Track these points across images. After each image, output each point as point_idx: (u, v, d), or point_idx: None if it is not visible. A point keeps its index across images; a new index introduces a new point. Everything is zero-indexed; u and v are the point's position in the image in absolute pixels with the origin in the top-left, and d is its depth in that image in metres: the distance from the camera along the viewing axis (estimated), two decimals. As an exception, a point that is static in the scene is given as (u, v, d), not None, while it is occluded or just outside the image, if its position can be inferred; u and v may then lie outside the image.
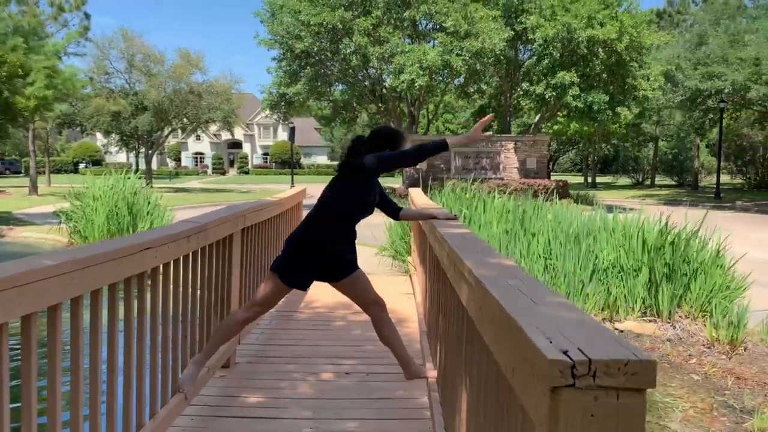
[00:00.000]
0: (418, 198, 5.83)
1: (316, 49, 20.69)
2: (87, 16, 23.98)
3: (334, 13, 19.94)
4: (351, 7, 20.41)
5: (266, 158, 67.40)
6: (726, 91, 22.70)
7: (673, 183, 40.57)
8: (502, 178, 22.82)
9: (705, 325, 5.87)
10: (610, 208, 7.47)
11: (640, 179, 43.36)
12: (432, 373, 3.47)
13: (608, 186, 40.45)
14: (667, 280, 6.05)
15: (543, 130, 29.20)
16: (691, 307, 6.05)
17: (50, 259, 1.94)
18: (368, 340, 4.67)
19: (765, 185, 32.98)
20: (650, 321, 6.12)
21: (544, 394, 0.93)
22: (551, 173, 46.06)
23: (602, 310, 6.20)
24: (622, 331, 6.07)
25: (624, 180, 45.90)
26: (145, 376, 2.73)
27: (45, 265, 1.84)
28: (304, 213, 7.23)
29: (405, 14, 20.48)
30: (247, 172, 63.43)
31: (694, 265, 6.00)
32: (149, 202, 12.07)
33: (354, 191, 3.16)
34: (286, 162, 55.64)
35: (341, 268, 3.25)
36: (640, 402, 0.91)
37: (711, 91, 23.25)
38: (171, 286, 3.10)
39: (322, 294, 5.70)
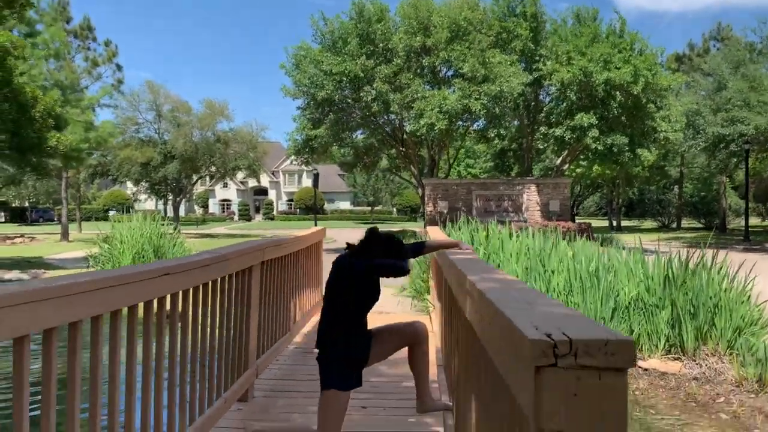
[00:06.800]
0: (434, 234, 5.90)
1: (337, 97, 21.19)
2: (119, 67, 24.97)
3: (355, 62, 20.51)
4: (372, 56, 20.98)
5: (291, 204, 68.38)
6: (750, 134, 22.57)
7: (700, 225, 39.85)
8: (525, 220, 22.73)
9: (732, 363, 5.70)
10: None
11: (666, 222, 42.68)
12: (445, 405, 3.47)
13: (633, 229, 39.91)
14: (691, 316, 5.93)
15: (566, 173, 29.16)
16: (717, 344, 5.90)
17: (72, 278, 2.03)
18: (383, 376, 4.67)
19: (796, 227, 32.21)
20: (675, 359, 5.97)
21: (530, 375, 0.96)
22: (575, 216, 45.68)
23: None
24: (646, 370, 5.93)
25: (649, 223, 45.21)
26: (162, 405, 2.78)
27: (68, 282, 1.93)
28: (325, 254, 7.31)
29: (424, 62, 20.97)
30: (272, 218, 64.26)
31: (715, 300, 5.87)
32: (174, 245, 12.32)
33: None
34: (310, 208, 56.24)
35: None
36: (622, 381, 0.93)
37: (734, 136, 23.15)
38: (190, 316, 3.17)
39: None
